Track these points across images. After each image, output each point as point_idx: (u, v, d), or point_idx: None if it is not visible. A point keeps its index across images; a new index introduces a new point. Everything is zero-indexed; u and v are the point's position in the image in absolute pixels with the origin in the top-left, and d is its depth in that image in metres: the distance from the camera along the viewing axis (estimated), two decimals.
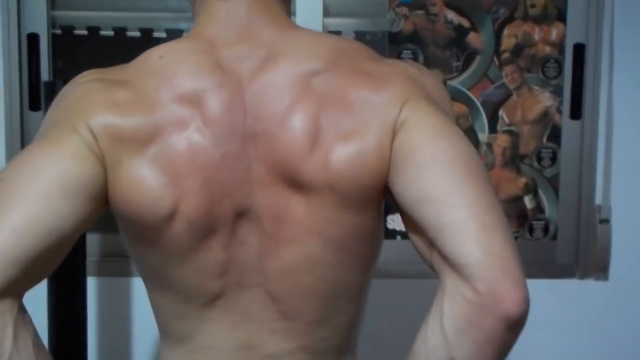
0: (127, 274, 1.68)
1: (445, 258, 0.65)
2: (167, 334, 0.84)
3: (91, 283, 1.64)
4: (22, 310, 0.67)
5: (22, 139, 1.64)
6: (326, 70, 0.74)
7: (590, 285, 1.71)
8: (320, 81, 0.73)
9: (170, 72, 0.73)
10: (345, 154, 0.72)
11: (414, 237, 0.72)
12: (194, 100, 0.72)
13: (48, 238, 0.66)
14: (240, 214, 0.75)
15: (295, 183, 0.73)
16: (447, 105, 0.78)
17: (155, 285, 0.81)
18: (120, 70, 0.76)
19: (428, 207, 0.67)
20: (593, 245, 1.70)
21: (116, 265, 1.68)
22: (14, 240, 0.64)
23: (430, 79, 0.79)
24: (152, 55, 0.76)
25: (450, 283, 0.65)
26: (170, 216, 0.72)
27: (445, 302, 0.64)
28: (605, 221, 1.68)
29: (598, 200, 1.69)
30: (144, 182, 0.71)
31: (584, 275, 1.71)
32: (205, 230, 0.74)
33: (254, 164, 0.74)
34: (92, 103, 0.71)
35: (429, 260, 0.70)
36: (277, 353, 0.80)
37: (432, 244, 0.67)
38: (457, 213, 0.65)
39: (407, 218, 0.72)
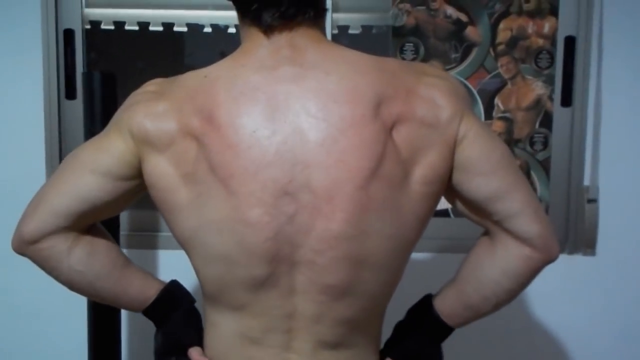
0: (154, 246, 1.73)
1: (512, 233, 0.88)
2: (215, 300, 0.87)
3: None
4: (80, 235, 0.91)
5: (60, 124, 1.73)
6: (387, 91, 0.82)
7: (578, 259, 1.75)
8: (384, 99, 0.82)
9: (202, 89, 0.82)
10: (420, 165, 0.84)
11: (470, 214, 0.92)
12: (212, 115, 0.80)
13: (82, 202, 0.88)
14: (286, 192, 0.79)
15: (361, 170, 0.80)
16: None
17: (196, 255, 0.86)
18: (172, 82, 0.87)
19: (498, 203, 0.88)
20: (581, 223, 1.73)
21: (144, 239, 1.73)
22: (58, 200, 0.88)
23: (461, 85, 0.90)
24: (199, 74, 0.85)
25: (515, 247, 0.89)
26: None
27: (511, 259, 0.89)
28: (593, 201, 1.72)
29: (586, 181, 1.73)
30: (163, 171, 0.85)
31: (573, 251, 1.75)
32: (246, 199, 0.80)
33: (302, 160, 0.79)
34: (136, 112, 0.86)
35: (484, 225, 0.93)
36: (319, 317, 0.85)
37: (496, 223, 0.89)
38: (520, 205, 0.87)
39: (467, 204, 0.91)
